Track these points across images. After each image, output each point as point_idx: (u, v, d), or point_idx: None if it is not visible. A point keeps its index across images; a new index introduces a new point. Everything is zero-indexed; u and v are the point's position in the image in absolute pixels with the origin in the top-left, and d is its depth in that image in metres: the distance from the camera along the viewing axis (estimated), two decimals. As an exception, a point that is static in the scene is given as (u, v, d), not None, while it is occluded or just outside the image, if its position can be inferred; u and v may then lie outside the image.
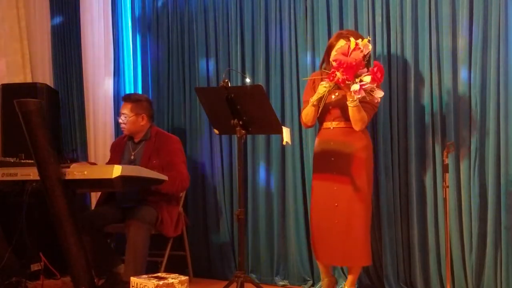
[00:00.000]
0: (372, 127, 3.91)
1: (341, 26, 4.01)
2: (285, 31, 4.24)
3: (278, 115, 4.04)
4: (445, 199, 3.35)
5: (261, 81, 4.26)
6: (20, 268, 4.02)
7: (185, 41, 4.66)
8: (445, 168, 3.32)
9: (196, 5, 4.61)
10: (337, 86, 3.40)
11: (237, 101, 3.38)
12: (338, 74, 3.26)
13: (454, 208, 3.64)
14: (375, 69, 3.27)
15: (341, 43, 3.46)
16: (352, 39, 3.29)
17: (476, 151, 3.59)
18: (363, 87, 3.25)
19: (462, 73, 3.63)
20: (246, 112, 3.41)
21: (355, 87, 3.25)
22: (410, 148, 3.78)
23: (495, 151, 3.53)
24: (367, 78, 3.25)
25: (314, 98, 3.46)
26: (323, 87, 3.40)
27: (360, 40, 3.29)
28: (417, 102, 3.78)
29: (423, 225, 3.78)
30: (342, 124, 3.54)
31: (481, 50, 3.57)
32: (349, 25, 3.96)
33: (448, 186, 3.34)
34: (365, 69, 3.29)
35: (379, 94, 3.31)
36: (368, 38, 3.36)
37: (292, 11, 4.20)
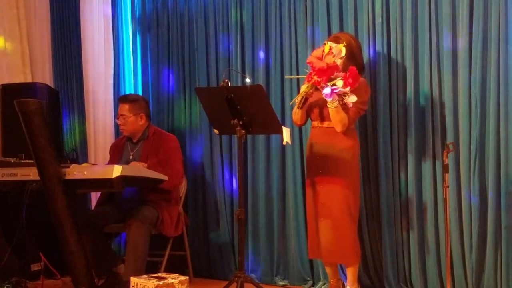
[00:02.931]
0: (372, 127, 3.91)
1: (341, 26, 4.01)
2: (285, 31, 4.24)
3: (278, 115, 4.04)
4: (445, 199, 3.36)
5: (261, 81, 4.26)
6: (20, 268, 4.02)
7: (185, 41, 4.66)
8: (445, 168, 3.33)
9: (196, 5, 4.60)
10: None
11: (237, 101, 3.39)
12: (315, 76, 3.36)
13: (454, 208, 3.64)
14: (347, 74, 3.33)
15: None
16: (329, 43, 3.39)
17: (476, 151, 3.59)
18: (335, 91, 3.33)
19: (462, 73, 3.63)
20: (246, 112, 3.41)
21: (326, 90, 3.34)
22: (410, 148, 3.78)
23: (495, 151, 3.53)
24: (339, 83, 3.33)
25: (297, 99, 3.53)
26: (304, 87, 3.50)
27: (334, 44, 3.37)
28: (417, 102, 3.78)
29: (423, 225, 3.77)
30: (327, 124, 3.58)
31: (481, 50, 3.57)
32: (349, 25, 3.96)
33: (448, 186, 3.35)
34: (341, 73, 3.37)
35: (351, 99, 3.35)
36: (344, 44, 3.40)
37: (292, 11, 4.20)
